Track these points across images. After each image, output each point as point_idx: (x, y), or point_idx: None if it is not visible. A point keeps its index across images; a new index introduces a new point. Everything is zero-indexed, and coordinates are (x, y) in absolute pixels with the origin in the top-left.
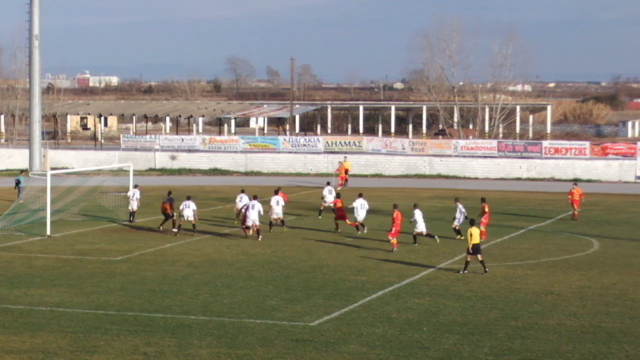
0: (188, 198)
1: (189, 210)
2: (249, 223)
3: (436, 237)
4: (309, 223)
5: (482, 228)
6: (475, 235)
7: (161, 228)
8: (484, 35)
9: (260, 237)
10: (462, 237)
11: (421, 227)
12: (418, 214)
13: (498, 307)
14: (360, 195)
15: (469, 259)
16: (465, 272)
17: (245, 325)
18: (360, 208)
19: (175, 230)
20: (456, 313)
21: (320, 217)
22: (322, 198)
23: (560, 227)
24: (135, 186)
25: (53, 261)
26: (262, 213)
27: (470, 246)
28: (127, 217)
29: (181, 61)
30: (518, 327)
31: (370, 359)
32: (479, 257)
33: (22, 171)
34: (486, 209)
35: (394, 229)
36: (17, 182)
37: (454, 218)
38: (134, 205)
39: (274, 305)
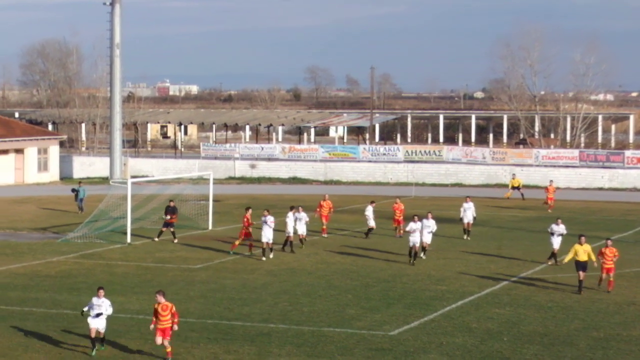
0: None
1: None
2: (263, 240)
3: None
4: (389, 233)
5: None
6: (578, 251)
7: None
8: (566, 44)
9: (271, 254)
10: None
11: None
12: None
13: (579, 318)
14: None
15: (581, 277)
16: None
17: (324, 334)
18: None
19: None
20: (537, 323)
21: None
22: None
23: None
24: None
25: (133, 269)
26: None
27: (573, 261)
28: (207, 225)
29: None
30: (600, 338)
31: None
32: (582, 274)
33: (79, 182)
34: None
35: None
36: (74, 191)
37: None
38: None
39: (354, 314)
